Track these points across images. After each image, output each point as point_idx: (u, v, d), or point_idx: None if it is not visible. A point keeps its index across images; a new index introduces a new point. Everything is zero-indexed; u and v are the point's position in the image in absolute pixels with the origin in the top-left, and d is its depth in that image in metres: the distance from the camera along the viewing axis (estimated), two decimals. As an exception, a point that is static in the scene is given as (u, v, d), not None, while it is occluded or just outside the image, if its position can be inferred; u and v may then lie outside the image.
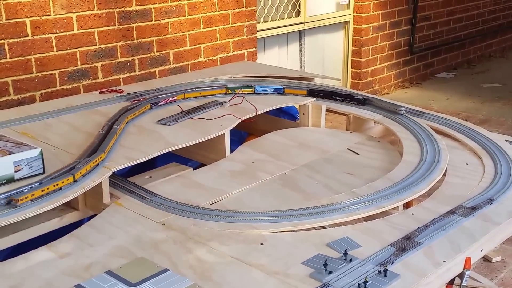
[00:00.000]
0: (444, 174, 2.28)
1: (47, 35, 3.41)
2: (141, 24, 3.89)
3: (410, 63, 6.74)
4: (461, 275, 1.75)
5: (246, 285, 1.60)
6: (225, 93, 3.05)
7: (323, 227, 1.99)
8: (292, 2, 5.41)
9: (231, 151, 2.59)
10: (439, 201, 2.06)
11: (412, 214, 1.98)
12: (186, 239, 1.83)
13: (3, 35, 3.24)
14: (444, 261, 1.69)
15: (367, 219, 2.00)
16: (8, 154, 2.04)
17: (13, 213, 1.84)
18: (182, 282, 1.57)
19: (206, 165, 2.52)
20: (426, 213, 1.97)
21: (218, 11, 4.36)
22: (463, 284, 1.76)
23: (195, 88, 3.08)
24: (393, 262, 1.66)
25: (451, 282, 1.84)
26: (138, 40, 3.90)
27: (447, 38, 7.23)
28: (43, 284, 1.61)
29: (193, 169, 2.46)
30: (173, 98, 2.93)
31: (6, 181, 2.02)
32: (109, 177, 2.12)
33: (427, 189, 2.15)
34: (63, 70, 3.53)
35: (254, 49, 4.73)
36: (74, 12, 3.51)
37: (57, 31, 3.46)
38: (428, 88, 6.72)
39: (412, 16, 6.53)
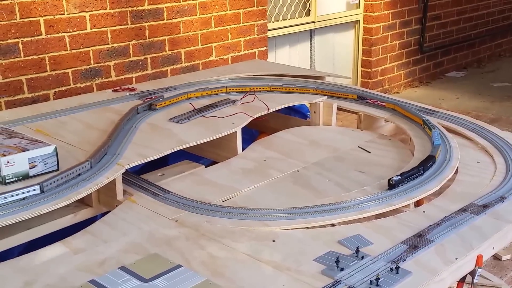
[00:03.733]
0: (456, 172, 2.28)
1: (60, 34, 3.44)
2: (153, 23, 3.91)
3: (420, 62, 6.73)
4: (472, 273, 1.76)
5: (258, 281, 1.61)
6: (422, 125, 2.69)
7: (332, 224, 1.99)
8: (303, 1, 5.42)
9: (242, 149, 2.60)
10: (451, 199, 2.07)
11: (424, 212, 1.98)
12: (199, 236, 1.85)
13: (17, 34, 3.27)
14: (456, 259, 1.69)
15: (378, 216, 2.01)
16: (23, 151, 2.06)
17: (27, 209, 1.86)
18: (195, 278, 1.58)
19: (218, 162, 2.54)
20: (437, 211, 1.98)
21: (230, 11, 4.38)
22: (474, 281, 1.77)
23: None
24: (404, 260, 1.67)
25: (463, 279, 1.84)
26: (150, 39, 3.92)
27: (457, 37, 7.22)
28: (57, 280, 1.63)
29: (205, 167, 2.47)
30: (383, 103, 2.92)
31: (21, 177, 2.04)
32: (122, 174, 2.14)
33: (438, 187, 2.16)
34: (76, 68, 3.56)
35: (265, 48, 4.74)
36: (87, 11, 3.54)
37: (71, 30, 3.49)
38: (438, 87, 6.71)
39: (422, 15, 6.52)
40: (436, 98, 6.24)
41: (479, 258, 1.73)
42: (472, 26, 7.42)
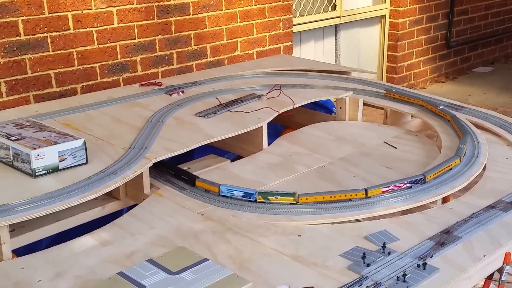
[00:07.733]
0: (484, 169, 2.26)
1: (88, 29, 3.47)
2: (179, 18, 3.92)
3: (446, 58, 6.67)
4: (500, 270, 1.74)
5: (285, 276, 1.62)
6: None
7: (357, 220, 1.99)
8: (328, -4, 5.40)
9: (268, 144, 2.61)
10: (479, 195, 2.05)
11: (451, 208, 1.97)
12: (225, 230, 1.86)
13: (46, 29, 3.30)
14: (484, 256, 1.68)
15: (404, 212, 2.00)
16: (53, 144, 2.09)
17: (57, 201, 1.89)
18: (222, 272, 1.59)
19: (243, 157, 2.55)
20: (465, 207, 1.96)
21: (255, 5, 4.38)
22: (502, 279, 1.75)
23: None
24: (432, 256, 1.66)
25: (490, 277, 1.83)
26: (176, 34, 3.94)
27: (484, 32, 7.13)
28: (87, 271, 1.65)
29: (231, 161, 2.49)
30: None
31: (50, 170, 2.07)
32: (149, 167, 2.16)
33: (466, 184, 2.14)
34: (103, 63, 3.59)
35: (290, 43, 4.73)
36: (114, 6, 3.57)
37: (98, 25, 3.52)
38: (464, 82, 6.64)
39: (449, 10, 6.45)
40: (462, 93, 6.18)
41: (507, 255, 1.72)
42: (500, 21, 7.33)
